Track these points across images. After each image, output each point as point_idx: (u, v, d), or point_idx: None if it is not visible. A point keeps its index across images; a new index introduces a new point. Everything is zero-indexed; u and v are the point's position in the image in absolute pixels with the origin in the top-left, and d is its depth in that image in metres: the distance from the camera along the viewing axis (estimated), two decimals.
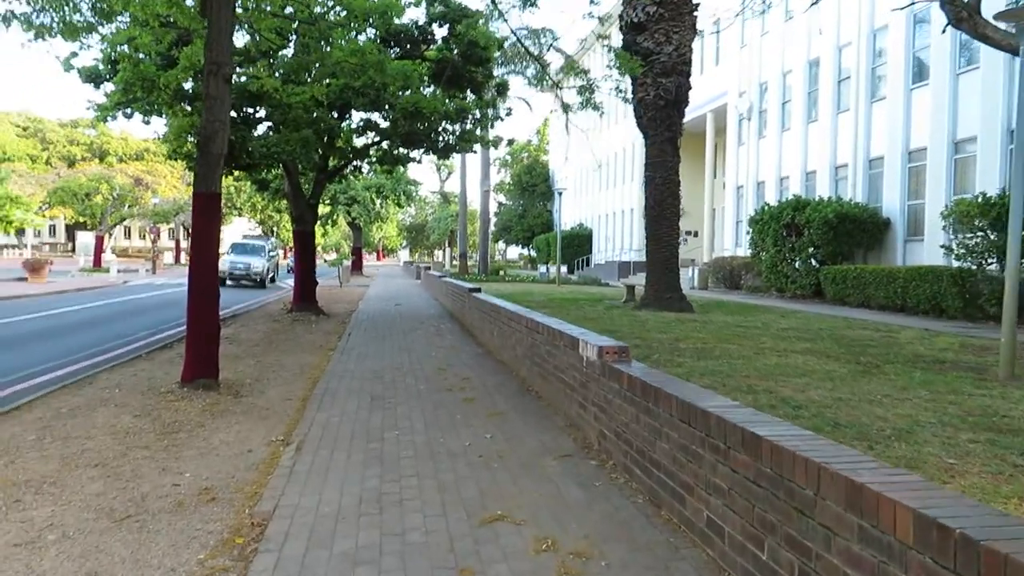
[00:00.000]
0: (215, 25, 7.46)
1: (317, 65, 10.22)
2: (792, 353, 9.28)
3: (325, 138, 16.21)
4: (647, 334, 11.26)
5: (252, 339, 13.01)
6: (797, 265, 23.08)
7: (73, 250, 67.08)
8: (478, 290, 13.93)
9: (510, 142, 18.75)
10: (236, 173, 16.00)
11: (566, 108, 10.71)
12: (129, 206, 44.20)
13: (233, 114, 11.70)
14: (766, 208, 24.74)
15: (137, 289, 28.21)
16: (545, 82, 11.63)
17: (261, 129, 14.10)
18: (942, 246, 17.89)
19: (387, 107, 13.05)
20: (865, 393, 6.53)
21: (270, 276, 32.41)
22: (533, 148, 76.35)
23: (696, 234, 42.74)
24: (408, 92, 13.09)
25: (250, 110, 11.90)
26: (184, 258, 74.06)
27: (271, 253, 33.14)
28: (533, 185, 65.95)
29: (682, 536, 3.80)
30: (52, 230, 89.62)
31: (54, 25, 8.27)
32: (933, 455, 4.51)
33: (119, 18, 10.18)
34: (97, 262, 39.88)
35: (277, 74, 10.79)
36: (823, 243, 21.74)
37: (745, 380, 7.12)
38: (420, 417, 6.60)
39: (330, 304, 20.92)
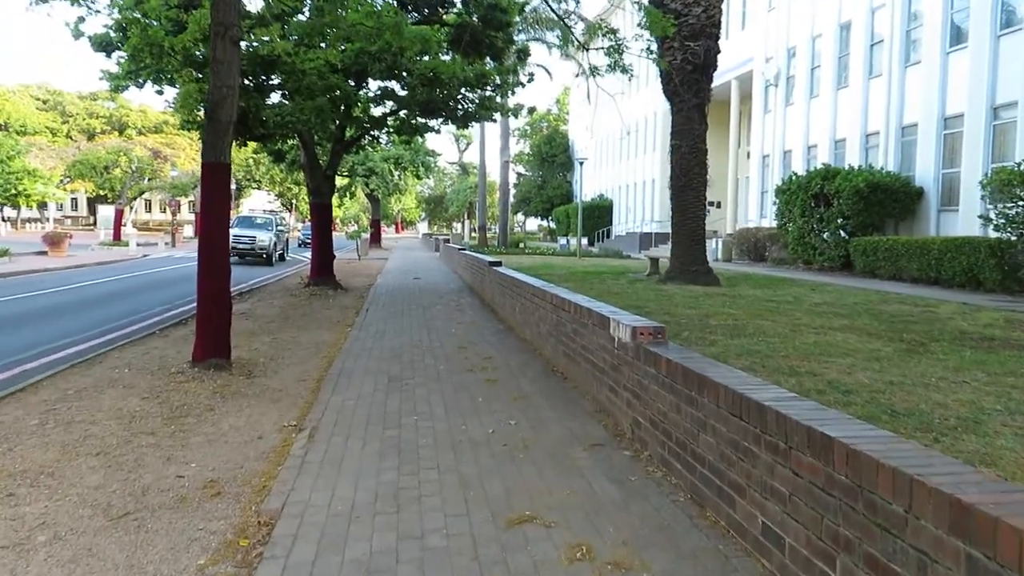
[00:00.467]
0: None
1: (331, 29, 9.75)
2: (830, 330, 8.81)
3: (341, 107, 15.76)
4: (675, 309, 10.83)
5: (268, 314, 12.72)
6: (825, 236, 22.45)
7: (95, 224, 67.37)
8: (499, 264, 13.53)
9: (531, 111, 18.14)
10: (251, 144, 15.59)
11: (593, 71, 10.18)
12: (148, 179, 44.03)
13: (246, 81, 11.30)
14: (794, 177, 24.05)
15: (156, 263, 28.10)
16: (570, 44, 11.04)
17: (275, 98, 13.70)
18: (980, 216, 17.21)
19: (404, 73, 12.57)
20: (917, 375, 6.08)
21: (279, 252, 30.46)
22: (553, 118, 75.34)
23: (719, 205, 41.91)
24: (426, 58, 12.59)
25: (263, 77, 11.47)
26: None
27: (279, 228, 30.82)
28: (553, 156, 65.13)
29: (732, 543, 3.41)
30: (74, 204, 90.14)
31: None
32: (1008, 449, 4.08)
33: None
34: (117, 236, 39.88)
35: (291, 39, 10.34)
36: (853, 213, 21.08)
37: (785, 361, 6.68)
38: (440, 400, 6.24)
39: (348, 278, 20.62)
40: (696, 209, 15.68)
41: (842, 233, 21.70)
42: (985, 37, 19.25)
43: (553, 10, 9.01)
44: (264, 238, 28.42)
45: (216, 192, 7.40)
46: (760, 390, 3.48)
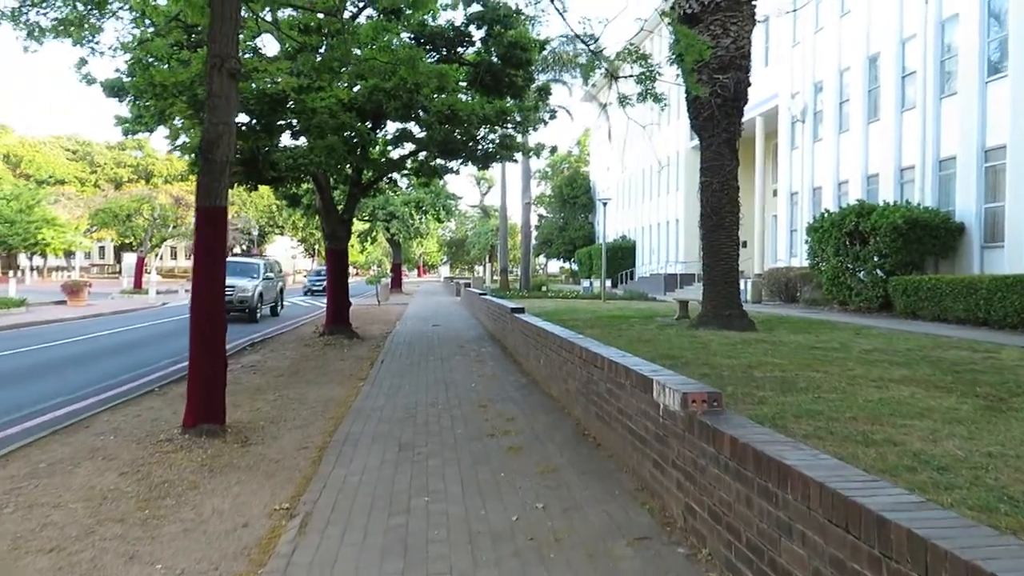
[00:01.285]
0: (218, 12, 6.45)
1: (343, 67, 9.20)
2: (892, 383, 7.90)
3: (358, 149, 15.26)
4: (713, 359, 9.96)
5: (279, 367, 12.03)
6: (862, 276, 21.46)
7: (120, 271, 67.76)
8: (521, 311, 12.76)
9: (552, 150, 17.63)
10: (264, 188, 15.08)
11: (623, 101, 9.51)
12: (172, 227, 44.10)
13: (252, 121, 10.75)
14: (826, 215, 23.16)
15: (174, 311, 27.65)
16: (595, 72, 10.42)
17: (286, 139, 13.20)
18: None
19: (421, 111, 12.00)
20: (1016, 443, 5.18)
21: (269, 304, 24.39)
22: (574, 159, 75.16)
23: (746, 244, 40.90)
24: (444, 95, 12.02)
25: (271, 117, 10.95)
26: None
27: (269, 275, 24.07)
28: (574, 197, 64.73)
29: None
30: (101, 252, 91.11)
31: (47, 23, 7.36)
32: None
33: (128, 22, 9.32)
34: (138, 283, 39.68)
35: (300, 76, 9.82)
36: (891, 251, 20.10)
37: (853, 425, 5.80)
38: (456, 475, 5.43)
39: (366, 325, 19.94)
40: (729, 249, 14.86)
41: (879, 272, 20.72)
42: None
43: (579, 36, 8.36)
44: (246, 287, 21.68)
45: (212, 239, 6.74)
46: (870, 490, 2.64)
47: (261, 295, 22.68)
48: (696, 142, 39.63)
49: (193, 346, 6.77)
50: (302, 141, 12.92)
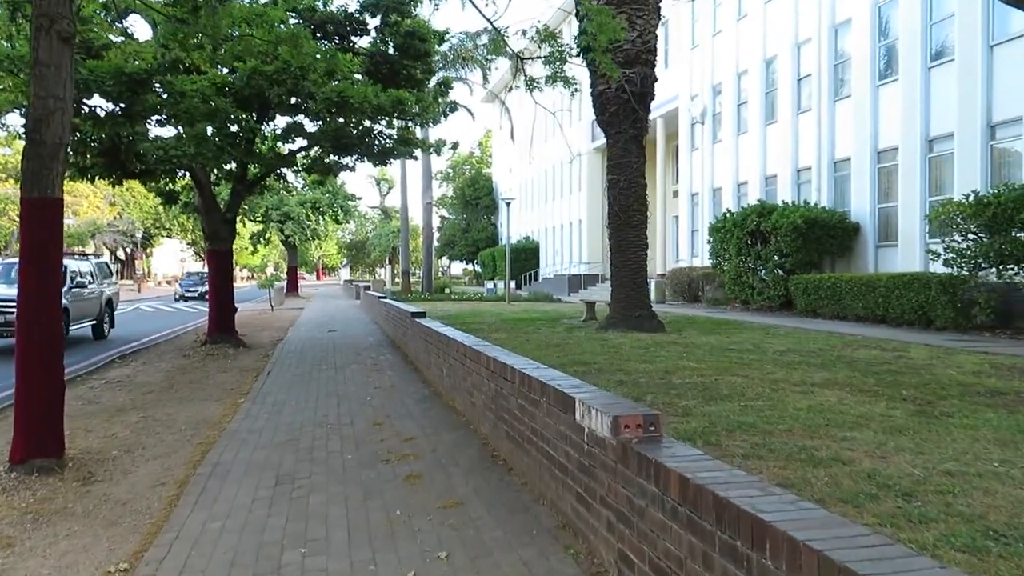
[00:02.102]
0: None
1: (215, 45, 8.07)
2: (816, 388, 7.48)
3: (241, 143, 13.99)
4: (627, 365, 9.37)
5: (149, 382, 10.72)
6: (763, 275, 21.63)
7: None
8: (422, 315, 11.88)
9: (454, 146, 16.72)
10: (131, 183, 13.59)
11: (530, 85, 8.80)
12: None
13: (111, 105, 9.40)
14: (728, 215, 23.27)
15: None
16: (502, 51, 9.67)
17: (158, 130, 11.84)
18: (927, 251, 16.56)
19: (309, 99, 10.94)
20: (963, 456, 4.72)
21: (87, 321, 16.91)
22: (476, 160, 74.53)
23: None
24: (334, 82, 10.99)
25: (134, 101, 9.59)
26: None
27: (80, 281, 16.62)
28: (477, 198, 64.07)
29: None
30: None
31: None
32: None
33: None
34: None
35: (164, 52, 8.61)
36: (792, 251, 20.29)
37: (790, 439, 5.25)
38: (342, 516, 4.54)
39: (255, 332, 18.57)
40: (637, 249, 14.43)
41: (780, 271, 20.90)
42: (916, 69, 18.91)
43: (481, 12, 7.59)
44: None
45: (42, 237, 5.58)
46: (886, 560, 1.95)
47: (67, 310, 14.61)
48: (599, 143, 39.80)
49: (20, 366, 5.59)
50: (172, 130, 11.61)
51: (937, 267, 16.39)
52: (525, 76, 8.87)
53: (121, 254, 78.84)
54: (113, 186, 12.54)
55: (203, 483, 5.34)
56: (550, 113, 13.41)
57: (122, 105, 9.53)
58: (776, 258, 20.70)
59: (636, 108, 14.13)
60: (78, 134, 9.73)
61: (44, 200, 5.53)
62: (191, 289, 40.20)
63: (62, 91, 5.47)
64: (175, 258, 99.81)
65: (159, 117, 10.40)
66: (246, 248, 73.02)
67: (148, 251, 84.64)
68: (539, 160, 50.71)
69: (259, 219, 43.09)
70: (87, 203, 61.86)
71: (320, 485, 5.20)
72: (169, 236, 79.49)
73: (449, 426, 6.96)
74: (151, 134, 11.28)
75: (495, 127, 65.48)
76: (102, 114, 8.93)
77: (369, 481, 5.26)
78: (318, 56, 9.73)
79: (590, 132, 41.05)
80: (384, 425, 7.12)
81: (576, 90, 8.88)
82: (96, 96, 8.95)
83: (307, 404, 8.41)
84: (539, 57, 8.65)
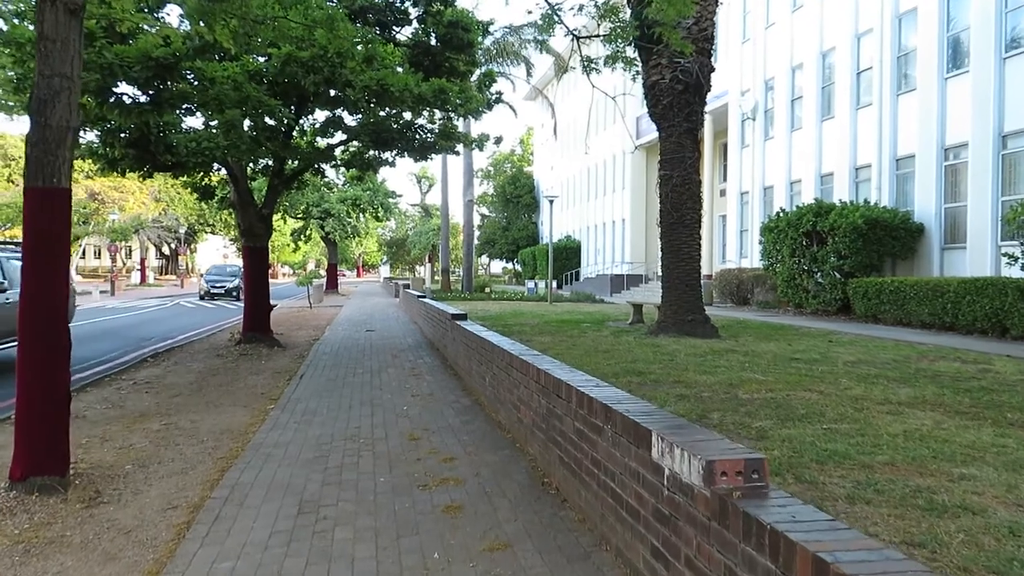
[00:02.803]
0: None
1: (245, 30, 7.49)
2: (904, 408, 6.65)
3: (279, 135, 13.53)
4: (686, 375, 8.60)
5: (179, 384, 10.25)
6: (819, 278, 20.59)
7: None
8: (463, 317, 11.24)
9: (497, 140, 16.08)
10: (159, 176, 13.17)
11: (587, 67, 8.10)
12: (83, 222, 40.95)
13: (138, 92, 8.89)
14: (781, 215, 22.25)
15: (85, 314, 25.25)
16: (553, 28, 8.98)
17: (193, 122, 11.41)
18: (1003, 254, 15.42)
19: (347, 87, 10.33)
20: None
21: None
22: (517, 158, 73.90)
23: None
24: (373, 71, 10.37)
25: (161, 88, 9.08)
26: (154, 278, 70.92)
27: None
28: (517, 197, 63.46)
29: None
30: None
31: None
32: None
33: None
34: None
35: (186, 38, 8.10)
36: (851, 252, 19.24)
37: (896, 475, 4.46)
38: (370, 558, 3.89)
39: (292, 331, 18.14)
40: (690, 248, 13.62)
41: (837, 274, 19.85)
42: (989, 60, 17.74)
43: None
44: None
45: (48, 231, 5.04)
46: None
47: None
48: (644, 140, 38.92)
49: (21, 373, 5.06)
50: (205, 122, 11.10)
51: (1014, 271, 15.30)
52: (581, 56, 8.16)
53: (166, 250, 79.85)
54: (143, 179, 12.12)
55: (218, 509, 4.74)
56: (609, 97, 12.60)
57: (150, 92, 9.04)
58: (834, 260, 19.67)
59: (691, 100, 13.32)
60: (108, 124, 9.28)
61: (50, 190, 4.99)
62: (218, 285, 34.01)
63: (69, 69, 4.92)
64: (218, 254, 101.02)
65: (188, 105, 9.89)
66: (287, 245, 73.52)
67: (192, 247, 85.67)
68: (581, 158, 49.88)
69: (300, 216, 43.00)
70: (133, 199, 62.56)
71: (347, 516, 4.56)
72: (213, 232, 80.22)
73: (493, 444, 6.29)
74: (184, 127, 10.83)
75: (537, 125, 64.78)
76: (129, 102, 8.44)
77: (403, 512, 4.60)
78: (356, 40, 9.13)
79: (635, 129, 40.11)
80: (421, 440, 6.48)
81: (636, 73, 8.17)
82: (123, 84, 8.48)
83: (339, 413, 7.82)
84: (599, 36, 7.93)
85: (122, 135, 9.84)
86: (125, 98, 7.97)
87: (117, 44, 8.33)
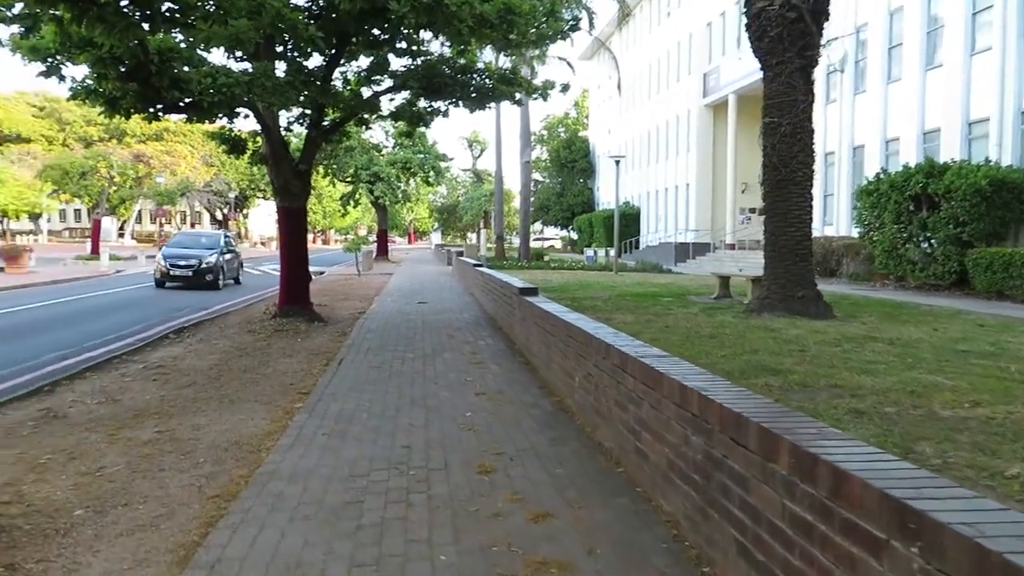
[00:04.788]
0: None
1: None
2: None
3: (316, 79, 11.67)
4: (836, 375, 6.51)
5: (195, 368, 8.57)
6: (928, 247, 18.04)
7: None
8: (533, 292, 9.30)
9: (564, 87, 13.97)
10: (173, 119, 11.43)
11: None
12: (130, 186, 39.99)
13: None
14: (883, 176, 19.65)
15: (125, 280, 24.04)
16: None
17: (216, 58, 9.60)
18: None
19: (392, 1, 8.33)
20: None
21: None
22: (571, 122, 71.19)
23: (761, 212, 37.50)
24: None
25: None
26: None
27: None
28: (572, 161, 60.98)
29: None
30: (76, 214, 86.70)
31: None
32: None
33: None
34: (94, 249, 35.83)
35: None
36: (972, 219, 16.67)
37: None
38: None
39: (336, 302, 16.45)
40: (801, 211, 11.42)
41: (952, 244, 17.28)
42: None
43: None
44: None
45: None
46: None
47: None
48: (711, 98, 36.09)
49: None
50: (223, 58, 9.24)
51: None
52: None
53: (218, 215, 79.51)
54: (149, 121, 10.37)
55: None
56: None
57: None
58: (950, 227, 17.11)
59: (806, 30, 11.03)
60: (97, 50, 7.50)
61: None
62: (181, 263, 20.68)
63: None
64: (271, 219, 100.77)
65: (187, 19, 7.96)
66: (337, 211, 72.42)
67: (244, 212, 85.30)
68: (642, 119, 47.16)
69: (349, 179, 41.44)
70: (184, 163, 61.84)
71: None
72: (264, 198, 79.52)
73: (601, 486, 4.34)
74: (195, 58, 8.96)
75: (593, 86, 61.90)
76: (110, 13, 6.57)
77: None
78: None
79: (701, 87, 37.33)
80: (496, 475, 4.57)
81: None
82: None
83: (383, 422, 5.96)
84: None
85: (118, 66, 8.06)
86: (106, 5, 6.16)
87: None
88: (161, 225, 40.57)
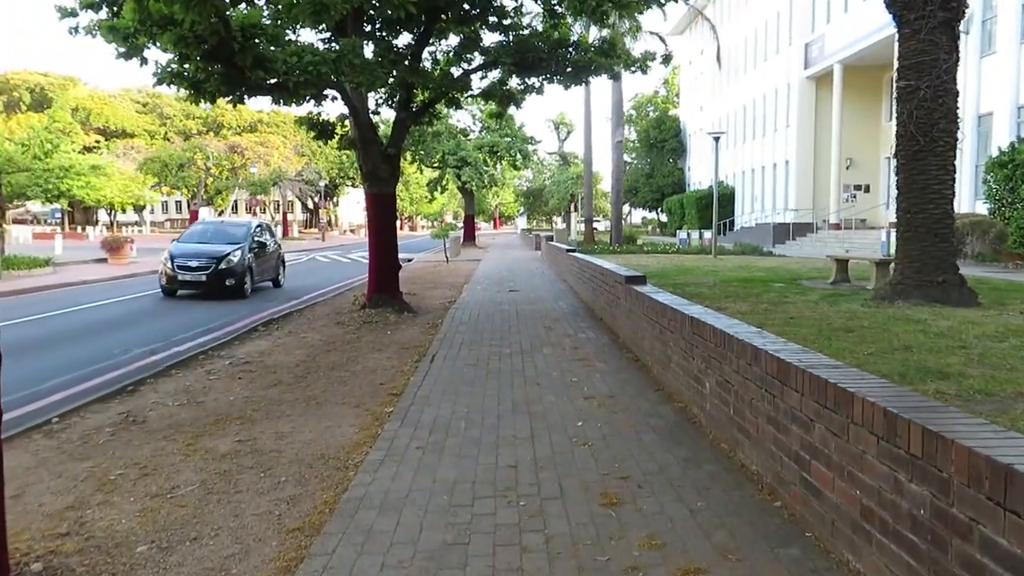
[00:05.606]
0: None
1: None
2: None
3: (405, 58, 11.08)
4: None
5: (283, 365, 8.10)
6: None
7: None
8: (642, 281, 8.43)
9: (666, 59, 12.96)
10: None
11: None
12: (226, 177, 40.84)
13: None
14: (1018, 147, 17.75)
15: None
16: None
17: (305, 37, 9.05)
18: None
19: None
20: None
21: None
22: (661, 100, 69.04)
23: (867, 189, 35.17)
24: None
25: None
26: (297, 232, 72.03)
27: None
28: (662, 141, 59.19)
29: None
30: (177, 206, 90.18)
31: None
32: None
33: None
34: None
35: None
36: None
37: None
38: None
39: (425, 291, 15.94)
40: (941, 185, 10.10)
41: None
42: None
43: None
44: None
45: None
46: None
47: None
48: (813, 70, 33.98)
49: None
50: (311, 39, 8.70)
51: None
52: None
53: (310, 204, 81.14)
54: (234, 105, 9.97)
55: None
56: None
57: None
58: None
59: None
60: (171, 27, 7.07)
61: None
62: (192, 266, 15.48)
63: None
64: (360, 207, 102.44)
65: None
66: (424, 197, 72.70)
67: (335, 201, 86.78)
68: (736, 95, 45.12)
69: (436, 165, 41.19)
70: (277, 153, 63.14)
71: None
72: (353, 185, 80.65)
73: (759, 528, 3.50)
74: (280, 37, 8.49)
75: (684, 63, 59.75)
76: None
77: None
78: None
79: (802, 57, 35.21)
80: (624, 508, 3.78)
81: None
82: None
83: (482, 432, 5.26)
84: None
85: (201, 45, 7.62)
86: None
87: None
88: (255, 214, 41.34)
